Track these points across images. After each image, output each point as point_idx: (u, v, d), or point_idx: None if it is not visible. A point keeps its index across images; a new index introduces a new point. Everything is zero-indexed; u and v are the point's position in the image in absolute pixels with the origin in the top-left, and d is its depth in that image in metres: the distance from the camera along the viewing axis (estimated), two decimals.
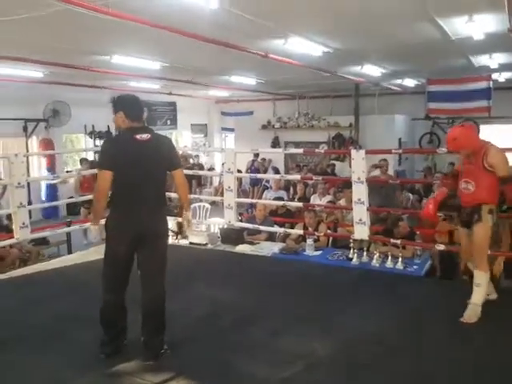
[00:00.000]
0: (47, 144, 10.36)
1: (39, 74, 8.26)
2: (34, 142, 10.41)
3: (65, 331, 3.26)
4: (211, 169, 13.53)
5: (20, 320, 3.49)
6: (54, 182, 9.48)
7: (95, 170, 4.26)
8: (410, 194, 8.24)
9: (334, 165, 11.23)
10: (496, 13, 4.79)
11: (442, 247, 4.44)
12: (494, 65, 8.27)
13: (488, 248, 3.48)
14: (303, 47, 6.23)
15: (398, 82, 10.76)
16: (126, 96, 3.06)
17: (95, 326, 2.93)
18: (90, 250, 5.30)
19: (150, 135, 2.90)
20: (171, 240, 5.84)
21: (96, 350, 2.89)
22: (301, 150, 6.95)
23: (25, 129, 9.92)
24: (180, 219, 5.88)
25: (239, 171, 6.65)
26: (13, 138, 9.87)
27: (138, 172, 2.86)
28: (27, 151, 9.63)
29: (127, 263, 2.90)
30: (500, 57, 7.69)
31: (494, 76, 9.45)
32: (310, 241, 5.24)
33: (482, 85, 9.34)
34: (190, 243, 5.59)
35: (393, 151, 5.97)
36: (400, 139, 11.53)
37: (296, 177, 6.96)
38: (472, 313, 3.38)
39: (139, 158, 2.86)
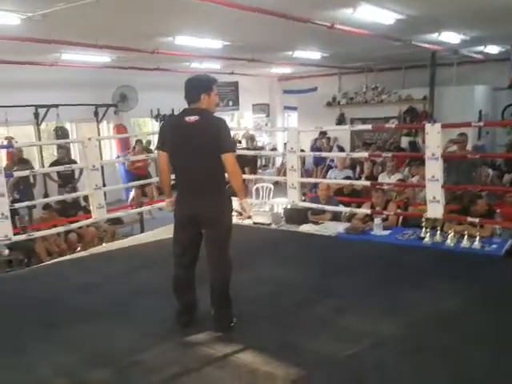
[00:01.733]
0: (121, 129, 10.71)
1: (107, 59, 8.46)
2: (104, 127, 10.79)
3: (142, 304, 3.42)
4: (273, 149, 13.36)
5: (101, 293, 3.69)
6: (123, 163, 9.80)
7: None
8: (490, 170, 7.67)
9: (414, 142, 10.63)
10: None
11: None
12: None
13: None
14: (374, 15, 5.81)
15: (480, 49, 9.80)
16: (188, 78, 3.02)
17: (170, 299, 3.06)
18: (159, 229, 5.45)
19: (198, 117, 2.85)
20: (235, 219, 5.85)
21: (171, 321, 3.06)
22: (369, 126, 6.56)
23: (95, 114, 10.28)
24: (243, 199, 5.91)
25: (302, 151, 6.46)
26: (85, 122, 10.28)
27: (185, 155, 2.90)
28: (99, 135, 9.98)
29: (190, 242, 2.98)
30: None
31: None
32: (377, 220, 5.01)
33: None
34: (254, 223, 5.54)
35: (472, 124, 5.47)
36: (480, 111, 10.62)
37: (363, 154, 6.60)
38: None
39: (185, 141, 2.87)
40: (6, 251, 5.84)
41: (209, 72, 10.76)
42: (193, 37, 6.94)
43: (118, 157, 10.58)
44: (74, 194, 6.25)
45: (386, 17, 5.96)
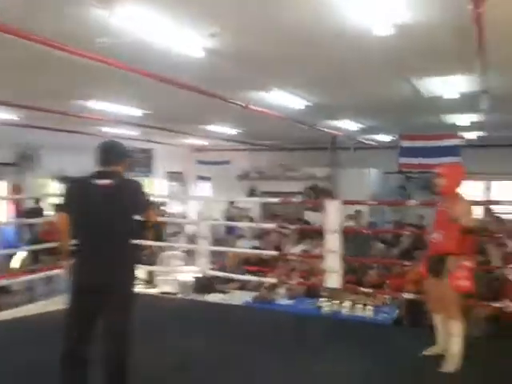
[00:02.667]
0: (17, 189, 10.04)
1: (14, 116, 8.13)
2: (2, 187, 10.06)
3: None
4: (184, 217, 13.35)
5: None
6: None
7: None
8: (382, 244, 8.35)
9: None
10: (469, 75, 5.06)
11: (409, 295, 4.48)
12: (463, 123, 8.65)
13: (459, 298, 3.43)
14: (284, 100, 6.39)
15: (373, 136, 11.11)
16: (100, 143, 2.97)
17: (54, 379, 2.72)
18: (53, 299, 5.06)
19: (113, 180, 2.77)
20: (141, 289, 5.64)
21: None
22: (277, 200, 6.99)
23: None
24: (151, 268, 5.78)
25: (214, 220, 6.58)
26: None
27: (97, 218, 2.74)
28: None
29: (88, 313, 2.73)
30: (469, 116, 8.05)
31: (465, 134, 9.85)
32: (282, 290, 5.22)
33: (452, 142, 9.68)
34: (161, 292, 5.44)
35: (368, 202, 6.07)
36: (373, 192, 11.76)
37: (271, 225, 6.96)
38: (451, 363, 3.31)
39: (99, 204, 2.73)
40: None
41: (124, 138, 10.77)
42: (109, 102, 6.97)
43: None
44: None
45: (296, 102, 6.59)
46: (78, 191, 2.85)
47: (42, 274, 6.00)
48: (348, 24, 3.48)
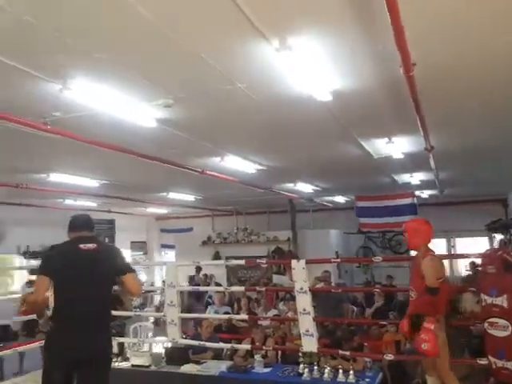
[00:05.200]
0: None
1: None
2: None
3: None
4: (151, 286, 12.98)
5: None
6: None
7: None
8: (354, 307, 8.34)
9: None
10: (412, 135, 5.37)
11: (390, 357, 4.44)
12: (415, 182, 9.07)
13: (447, 356, 3.37)
14: (238, 165, 6.60)
15: (330, 198, 11.44)
16: (73, 216, 3.11)
17: None
18: (24, 376, 4.82)
19: (95, 244, 2.86)
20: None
21: None
22: (242, 262, 6.93)
23: None
24: (121, 339, 5.55)
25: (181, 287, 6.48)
26: None
27: (81, 283, 2.76)
28: None
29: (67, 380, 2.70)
30: (420, 175, 8.48)
31: (417, 192, 10.27)
32: (258, 357, 5.06)
33: (407, 200, 10.05)
34: (132, 365, 5.19)
35: (332, 260, 6.15)
36: (337, 252, 11.92)
37: (240, 288, 6.79)
38: None
39: (85, 268, 2.78)
40: None
41: (85, 209, 10.67)
42: (67, 174, 6.98)
43: None
44: None
45: (249, 166, 6.80)
46: (62, 257, 2.87)
47: (11, 351, 5.71)
48: (293, 91, 3.68)
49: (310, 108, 4.15)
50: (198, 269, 11.39)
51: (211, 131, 5.03)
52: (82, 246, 2.80)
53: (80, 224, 2.94)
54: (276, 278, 11.30)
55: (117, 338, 5.35)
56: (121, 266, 2.95)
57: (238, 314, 8.00)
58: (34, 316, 3.49)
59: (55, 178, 6.99)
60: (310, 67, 3.18)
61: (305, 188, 9.36)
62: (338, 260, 7.49)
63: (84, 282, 2.75)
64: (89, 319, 2.72)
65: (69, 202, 9.82)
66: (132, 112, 4.04)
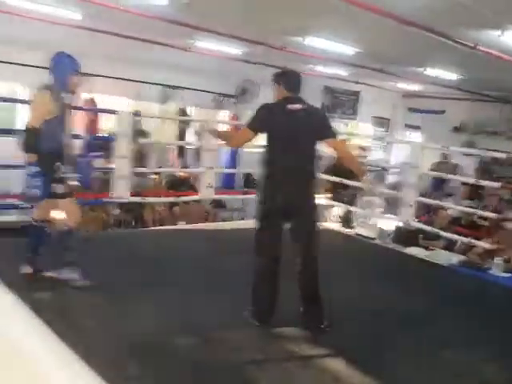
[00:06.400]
0: (235, 118, 11.04)
1: (236, 51, 8.71)
2: (222, 115, 11.18)
3: (235, 285, 3.35)
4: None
5: (197, 267, 3.79)
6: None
7: None
8: None
9: None
10: None
11: None
12: None
13: None
14: None
15: None
16: (285, 70, 3.26)
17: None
18: None
19: (301, 105, 2.93)
20: (338, 227, 5.65)
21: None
22: (503, 155, 5.83)
23: (216, 102, 10.70)
24: (350, 208, 5.76)
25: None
26: (204, 108, 10.74)
27: (285, 141, 2.90)
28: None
29: (278, 234, 2.93)
30: None
31: None
32: (498, 259, 4.52)
33: None
34: (357, 234, 5.32)
35: None
36: None
37: (493, 184, 5.65)
38: None
39: (292, 127, 2.89)
40: (117, 211, 6.28)
41: (333, 78, 10.70)
42: (324, 39, 6.84)
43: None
44: (187, 170, 6.54)
45: None
46: (273, 115, 3.01)
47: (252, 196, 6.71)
48: None
49: None
50: (444, 158, 10.68)
51: None
52: (289, 106, 2.91)
53: (293, 86, 3.00)
54: None
55: (347, 206, 5.56)
56: (328, 129, 3.01)
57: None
58: None
59: (311, 42, 6.94)
60: None
61: None
62: None
63: (289, 139, 2.89)
64: (291, 173, 2.89)
65: (319, 68, 9.85)
66: None
